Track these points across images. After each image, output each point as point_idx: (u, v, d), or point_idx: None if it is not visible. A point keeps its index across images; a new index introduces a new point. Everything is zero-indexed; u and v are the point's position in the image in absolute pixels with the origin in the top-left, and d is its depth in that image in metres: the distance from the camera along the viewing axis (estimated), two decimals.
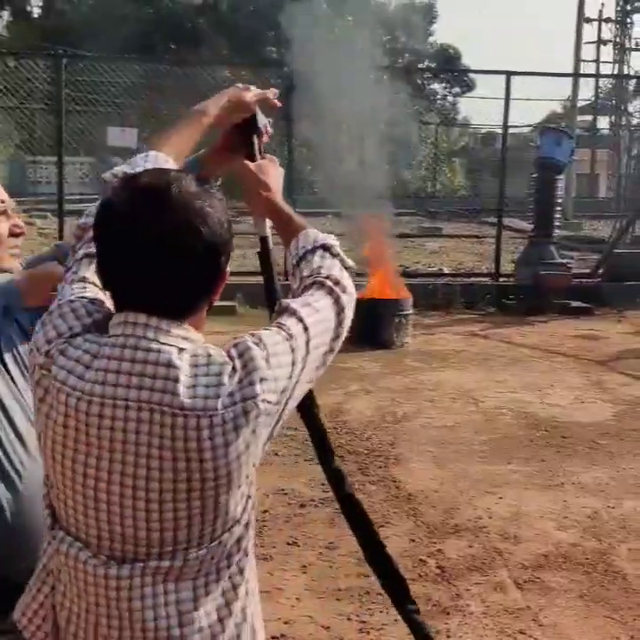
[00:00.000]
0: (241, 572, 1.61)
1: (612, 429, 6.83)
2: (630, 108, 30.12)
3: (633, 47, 32.06)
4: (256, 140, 2.04)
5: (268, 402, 1.51)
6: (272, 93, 2.08)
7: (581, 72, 28.56)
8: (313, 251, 1.77)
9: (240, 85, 2.07)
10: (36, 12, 36.49)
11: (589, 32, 36.61)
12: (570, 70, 28.07)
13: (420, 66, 36.52)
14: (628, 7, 32.84)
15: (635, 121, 27.41)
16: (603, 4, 36.05)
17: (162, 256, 1.50)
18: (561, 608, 4.09)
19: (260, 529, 4.65)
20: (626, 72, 31.25)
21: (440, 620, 3.90)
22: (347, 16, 29.92)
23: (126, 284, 1.54)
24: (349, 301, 1.72)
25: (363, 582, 4.20)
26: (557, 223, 12.86)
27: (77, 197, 15.23)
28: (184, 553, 1.52)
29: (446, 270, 14.24)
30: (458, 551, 4.62)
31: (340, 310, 1.69)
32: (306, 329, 1.60)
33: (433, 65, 38.78)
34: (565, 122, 31.05)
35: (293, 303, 1.64)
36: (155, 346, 1.49)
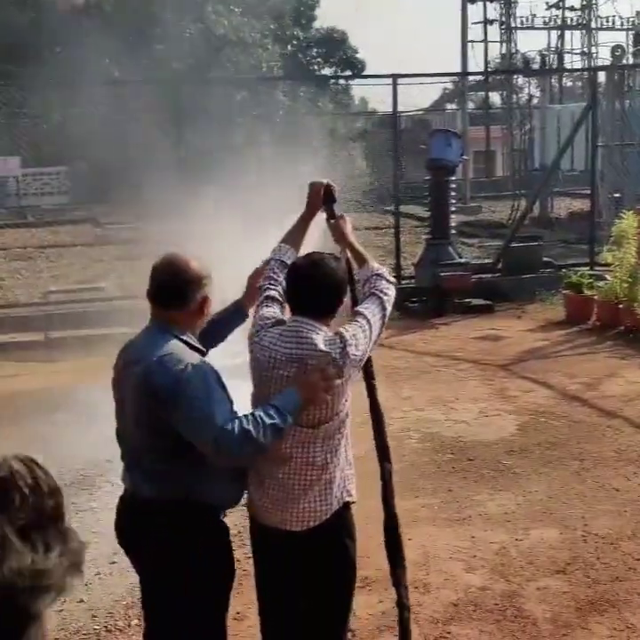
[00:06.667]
0: (344, 437, 3.29)
1: (516, 445, 6.91)
2: (519, 82, 30.56)
3: (518, 26, 32.36)
4: (334, 206, 3.74)
5: (355, 355, 3.18)
6: (326, 182, 3.74)
7: (468, 52, 28.72)
8: (371, 276, 3.49)
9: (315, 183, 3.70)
10: None
11: (476, 12, 36.77)
12: (457, 49, 28.28)
13: (308, 53, 36.65)
14: None
15: (524, 97, 27.77)
16: None
17: (317, 290, 3.21)
18: None
19: None
20: (512, 51, 31.56)
21: None
22: (234, 8, 29.54)
23: (298, 301, 3.25)
24: (390, 300, 3.44)
25: None
26: (453, 214, 12.78)
27: None
28: (319, 425, 3.17)
29: None
30: (368, 609, 4.58)
31: (383, 307, 3.39)
32: (368, 320, 3.30)
33: (321, 50, 39.06)
34: (457, 100, 31.30)
35: (360, 308, 3.38)
36: (306, 329, 3.18)
